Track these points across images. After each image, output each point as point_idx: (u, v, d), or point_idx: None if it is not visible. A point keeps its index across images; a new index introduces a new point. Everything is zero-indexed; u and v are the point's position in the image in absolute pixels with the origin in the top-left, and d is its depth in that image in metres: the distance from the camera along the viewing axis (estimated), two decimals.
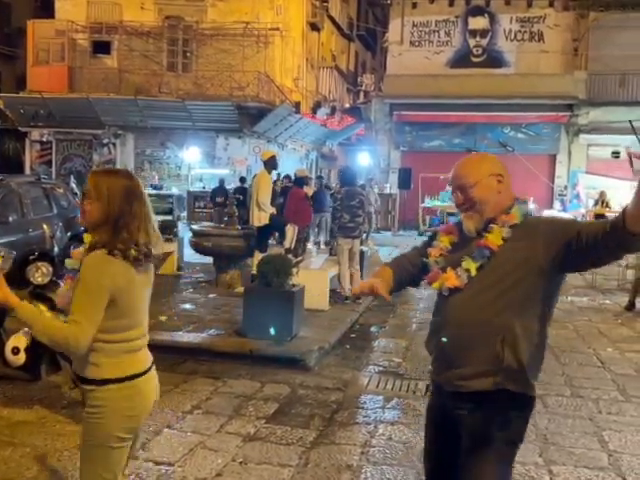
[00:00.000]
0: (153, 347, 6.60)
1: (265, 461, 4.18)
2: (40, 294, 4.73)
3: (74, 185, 15.17)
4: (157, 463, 4.08)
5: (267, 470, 4.04)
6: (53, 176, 22.79)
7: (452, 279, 2.43)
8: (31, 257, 5.42)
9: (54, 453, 4.13)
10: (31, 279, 4.70)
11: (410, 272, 2.70)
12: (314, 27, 29.93)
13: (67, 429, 4.51)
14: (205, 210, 21.52)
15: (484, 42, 23.99)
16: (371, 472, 4.08)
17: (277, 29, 24.47)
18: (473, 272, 2.39)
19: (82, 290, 2.35)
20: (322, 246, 11.73)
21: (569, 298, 10.76)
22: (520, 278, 2.32)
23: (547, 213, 20.63)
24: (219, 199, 17.66)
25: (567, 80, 22.40)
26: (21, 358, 4.81)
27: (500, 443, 2.35)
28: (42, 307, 4.68)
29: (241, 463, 4.14)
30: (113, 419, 2.44)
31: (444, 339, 2.43)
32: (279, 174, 17.46)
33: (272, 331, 6.39)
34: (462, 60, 23.88)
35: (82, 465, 2.51)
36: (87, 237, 2.53)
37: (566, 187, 22.86)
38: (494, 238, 2.38)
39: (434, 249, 2.56)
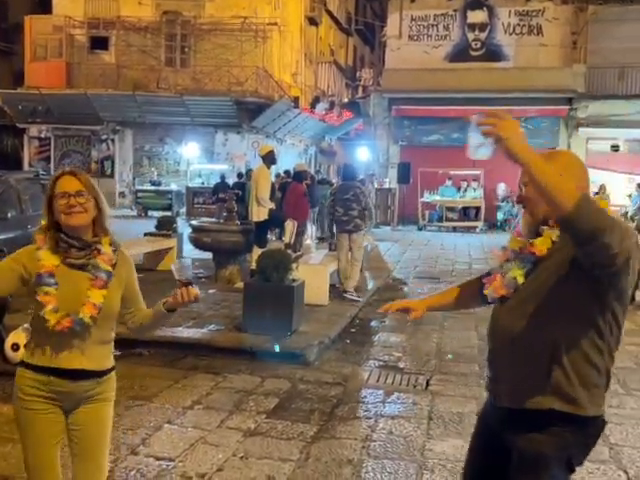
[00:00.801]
0: (153, 343, 6.61)
1: (266, 456, 4.17)
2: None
3: None
4: (158, 458, 4.07)
5: (268, 465, 4.04)
6: (52, 172, 22.74)
7: (498, 287, 2.29)
8: None
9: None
10: None
11: (475, 286, 2.54)
12: (312, 22, 29.87)
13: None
14: (204, 206, 21.51)
15: (483, 36, 23.94)
16: (372, 466, 4.07)
17: (275, 24, 24.43)
18: (520, 280, 2.21)
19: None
20: (314, 240, 11.70)
21: None
22: (562, 284, 2.10)
23: None
24: (221, 195, 17.63)
25: (566, 73, 22.36)
26: (20, 354, 4.79)
27: (553, 465, 2.16)
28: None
29: (242, 458, 4.13)
30: None
31: (491, 350, 2.31)
32: (279, 172, 17.43)
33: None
34: (461, 54, 23.83)
35: (104, 451, 2.62)
36: (106, 242, 2.53)
37: None
38: (541, 243, 2.17)
39: (502, 252, 2.36)
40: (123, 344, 2.79)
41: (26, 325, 4.96)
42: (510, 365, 2.22)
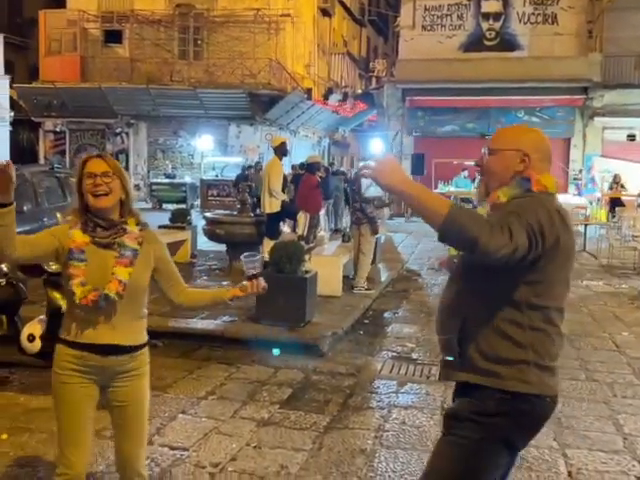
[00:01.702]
0: (168, 334, 6.66)
1: (279, 445, 4.20)
2: (55, 281, 4.76)
3: None
4: (172, 448, 4.11)
5: (281, 454, 4.06)
6: (67, 166, 22.89)
7: (443, 262, 2.42)
8: None
9: None
10: (45, 267, 4.73)
11: None
12: (325, 13, 29.76)
13: None
14: (218, 198, 21.58)
15: (497, 25, 23.74)
16: (385, 456, 4.09)
17: (288, 15, 24.37)
18: (452, 253, 2.33)
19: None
20: (327, 232, 11.65)
21: (584, 282, 10.69)
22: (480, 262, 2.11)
23: (562, 198, 20.50)
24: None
25: (581, 63, 22.13)
26: (37, 345, 4.87)
27: (467, 427, 2.16)
28: (57, 294, 4.73)
29: (255, 447, 4.16)
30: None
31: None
32: (294, 164, 17.42)
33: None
34: (475, 44, 23.66)
35: (144, 424, 2.76)
36: (132, 222, 2.64)
37: (581, 171, 22.66)
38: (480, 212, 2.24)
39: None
40: None
41: (42, 317, 5.03)
42: (441, 340, 2.31)
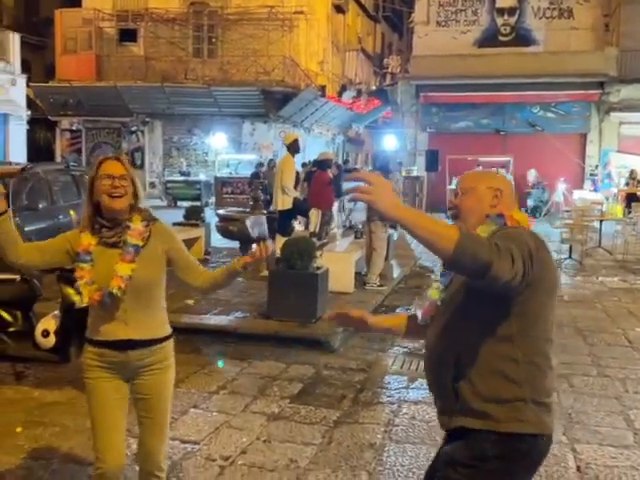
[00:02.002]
0: (181, 330, 6.70)
1: (289, 439, 4.24)
2: (68, 277, 4.82)
3: None
4: (183, 441, 4.16)
5: (290, 448, 4.10)
6: (83, 164, 23.09)
7: (425, 309, 2.34)
8: None
9: (83, 432, 4.22)
10: None
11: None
12: (339, 9, 29.73)
13: None
14: (232, 195, 21.66)
15: (512, 20, 23.57)
16: (394, 450, 4.11)
17: (302, 12, 24.36)
18: (434, 296, 2.27)
19: None
20: (340, 229, 11.65)
21: (599, 278, 10.64)
22: (467, 292, 2.10)
23: (578, 193, 20.35)
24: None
25: (598, 57, 21.92)
26: (51, 340, 4.92)
27: (464, 472, 2.08)
28: (70, 290, 4.78)
29: (265, 441, 4.20)
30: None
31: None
32: (304, 162, 17.44)
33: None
34: (490, 39, 23.50)
35: (165, 418, 2.83)
36: (137, 219, 2.72)
37: (597, 166, 22.45)
38: None
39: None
40: None
41: (56, 312, 5.09)
42: (433, 383, 2.24)
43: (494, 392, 2.05)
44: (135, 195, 2.70)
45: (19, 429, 4.25)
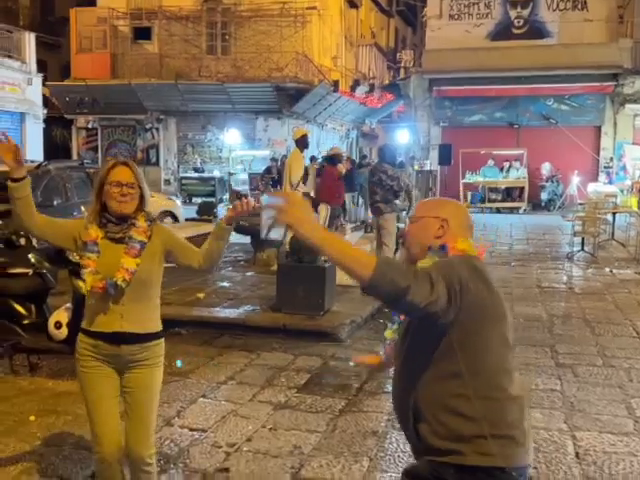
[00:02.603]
0: (191, 322, 6.85)
1: (294, 427, 4.34)
2: (79, 272, 4.96)
3: None
4: (191, 429, 4.28)
5: (295, 435, 4.20)
6: (99, 162, 23.35)
7: (388, 351, 2.35)
8: None
9: None
10: (70, 257, 4.92)
11: None
12: (352, 4, 29.69)
13: None
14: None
15: (525, 13, 23.45)
16: (395, 437, 4.19)
17: (314, 8, 24.39)
18: (389, 336, 2.27)
19: None
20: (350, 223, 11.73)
21: (612, 271, 10.63)
22: (412, 334, 2.10)
23: (592, 186, 20.24)
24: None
25: (612, 49, 21.76)
26: (63, 332, 5.08)
27: None
28: (81, 284, 4.92)
29: (270, 429, 4.31)
30: None
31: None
32: (313, 155, 17.50)
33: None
34: (503, 32, 23.41)
35: (152, 413, 2.90)
36: (142, 218, 2.84)
37: (612, 159, 22.30)
38: None
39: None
40: (163, 324, 2.98)
41: (68, 305, 5.24)
42: (400, 423, 2.24)
43: (453, 431, 1.99)
44: (142, 197, 2.82)
45: (32, 417, 4.39)
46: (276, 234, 2.00)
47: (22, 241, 5.18)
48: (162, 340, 2.93)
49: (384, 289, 1.85)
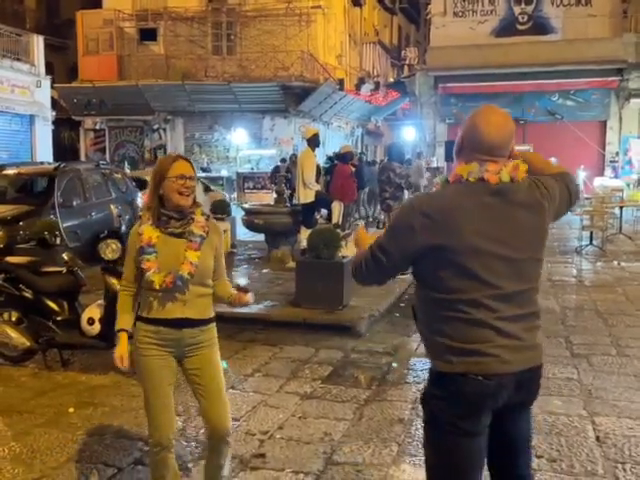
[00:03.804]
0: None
1: (322, 416, 4.51)
2: (111, 269, 5.14)
3: (128, 170, 15.78)
4: None
5: (324, 423, 4.37)
6: (107, 162, 23.52)
7: None
8: (101, 235, 5.92)
9: (130, 412, 4.54)
10: (102, 255, 5.10)
11: None
12: (356, 2, 29.85)
13: (139, 391, 4.80)
14: (254, 190, 21.97)
15: (529, 9, 23.56)
16: (421, 424, 4.34)
17: (319, 7, 24.55)
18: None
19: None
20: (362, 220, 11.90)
21: (620, 264, 10.77)
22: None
23: (598, 180, 20.36)
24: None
25: (616, 44, 21.87)
26: (96, 328, 5.26)
27: (426, 410, 2.36)
28: (114, 280, 5.09)
29: (300, 418, 4.48)
30: None
31: None
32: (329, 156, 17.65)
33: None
34: (507, 29, 23.53)
35: (222, 386, 3.12)
36: (198, 212, 3.01)
37: (617, 153, 22.45)
38: None
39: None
40: None
41: (100, 301, 5.41)
42: None
43: (428, 339, 2.37)
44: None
45: (71, 409, 4.56)
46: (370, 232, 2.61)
47: (55, 240, 5.36)
48: (215, 323, 3.12)
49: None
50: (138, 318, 3.03)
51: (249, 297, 3.06)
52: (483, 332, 2.22)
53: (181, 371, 3.09)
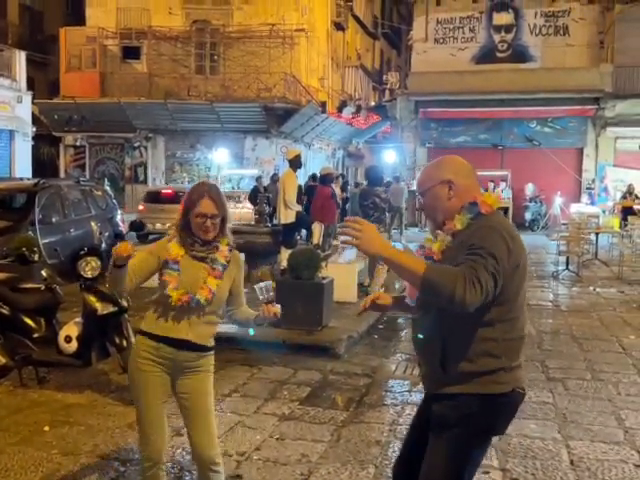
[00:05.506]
0: None
1: (300, 437, 4.50)
2: (90, 286, 5.11)
3: (108, 188, 15.72)
4: None
5: (302, 445, 4.37)
6: (87, 179, 23.38)
7: (410, 291, 2.57)
8: (81, 252, 5.86)
9: (107, 431, 4.51)
10: (82, 273, 5.07)
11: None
12: (339, 27, 30.23)
13: (116, 410, 4.88)
14: (235, 210, 21.94)
15: (509, 37, 24.06)
16: (398, 447, 4.34)
17: (302, 30, 24.84)
18: (427, 245, 2.50)
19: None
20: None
21: (596, 289, 10.91)
22: None
23: (575, 207, 20.68)
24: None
25: (593, 73, 22.38)
26: (73, 346, 5.22)
27: (455, 428, 2.40)
28: (92, 298, 5.07)
29: (278, 439, 4.47)
30: None
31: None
32: (314, 174, 17.71)
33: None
34: (487, 56, 23.99)
35: (211, 413, 3.11)
36: (224, 242, 3.03)
37: (594, 180, 22.84)
38: (436, 247, 2.42)
39: (419, 250, 2.62)
40: None
41: (78, 319, 5.37)
42: (422, 364, 2.61)
43: (478, 367, 2.35)
44: (223, 221, 2.99)
45: (47, 428, 4.51)
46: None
47: (34, 257, 5.32)
48: (213, 353, 3.13)
49: (432, 293, 2.20)
50: (140, 332, 3.07)
51: (278, 307, 3.05)
52: (522, 347, 2.46)
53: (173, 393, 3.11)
